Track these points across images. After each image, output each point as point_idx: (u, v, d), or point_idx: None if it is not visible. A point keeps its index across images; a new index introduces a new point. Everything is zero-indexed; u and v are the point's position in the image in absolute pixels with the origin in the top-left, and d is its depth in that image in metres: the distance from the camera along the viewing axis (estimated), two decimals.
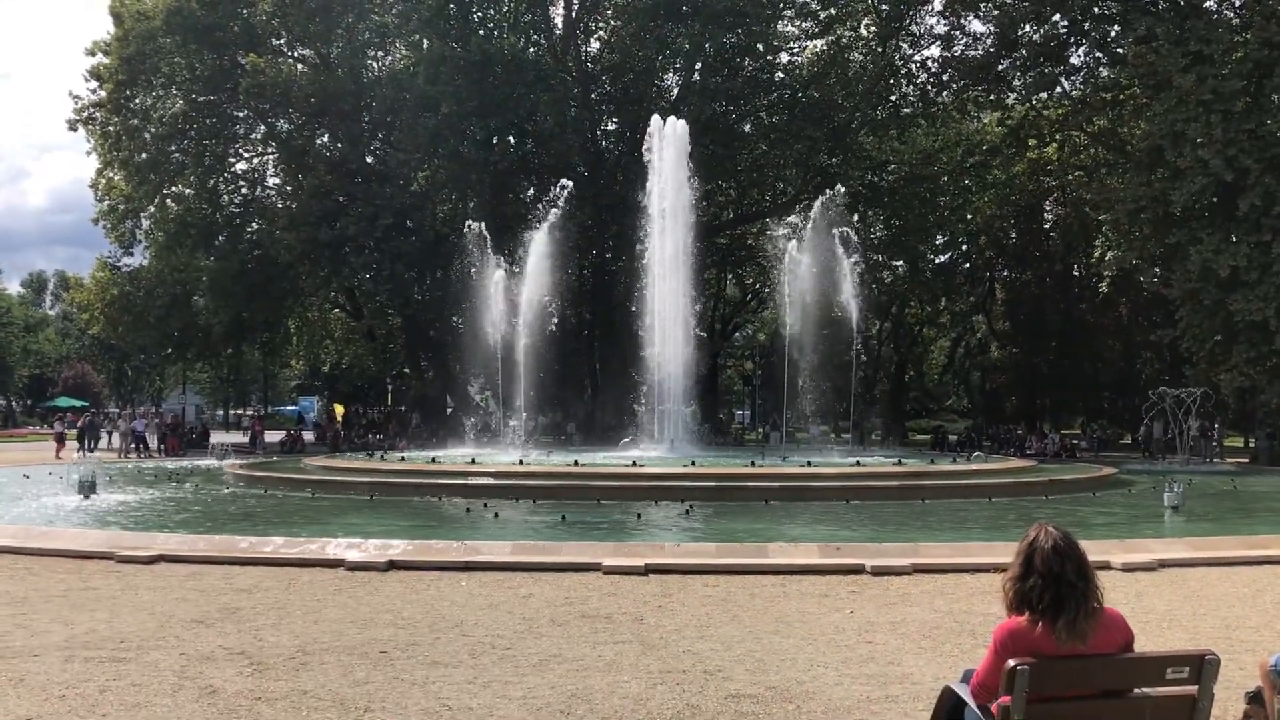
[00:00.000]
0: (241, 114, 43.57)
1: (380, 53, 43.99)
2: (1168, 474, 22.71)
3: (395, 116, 39.72)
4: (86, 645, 7.37)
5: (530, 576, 10.25)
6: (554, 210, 29.29)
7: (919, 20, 41.05)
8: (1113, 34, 35.59)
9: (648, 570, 10.44)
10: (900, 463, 22.64)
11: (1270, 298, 28.76)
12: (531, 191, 42.24)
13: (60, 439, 37.76)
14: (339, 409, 63.49)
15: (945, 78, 39.96)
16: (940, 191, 44.18)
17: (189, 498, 19.51)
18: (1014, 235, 51.97)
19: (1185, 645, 7.33)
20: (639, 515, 15.00)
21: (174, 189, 44.01)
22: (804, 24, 42.34)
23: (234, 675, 6.53)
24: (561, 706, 5.91)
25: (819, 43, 43.39)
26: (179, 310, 43.19)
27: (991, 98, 39.82)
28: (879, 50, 41.26)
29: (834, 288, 29.19)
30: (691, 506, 16.00)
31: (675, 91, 42.60)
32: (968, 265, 53.44)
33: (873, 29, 41.59)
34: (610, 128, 43.27)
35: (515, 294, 28.63)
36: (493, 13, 41.41)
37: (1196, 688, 3.98)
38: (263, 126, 44.14)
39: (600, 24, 43.54)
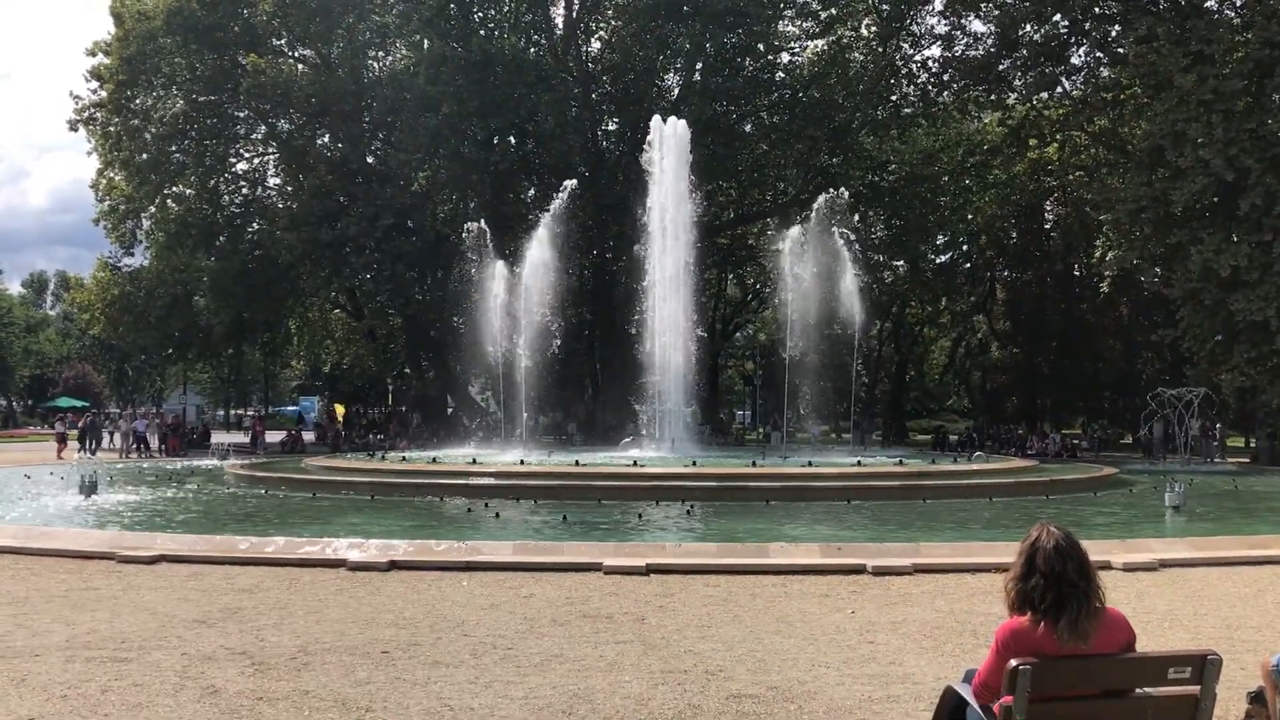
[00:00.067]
0: (242, 114, 43.57)
1: (381, 53, 43.99)
2: (1168, 474, 22.71)
3: (396, 117, 39.72)
4: (88, 645, 7.38)
5: (531, 576, 10.26)
6: (556, 201, 29.35)
7: (919, 20, 41.08)
8: (1113, 34, 35.59)
9: (649, 570, 10.44)
10: (901, 463, 22.65)
11: (1271, 298, 28.76)
12: (532, 192, 42.29)
13: (62, 439, 37.76)
14: (340, 409, 63.51)
15: (946, 78, 39.95)
16: (941, 191, 44.18)
17: (190, 498, 19.51)
18: (1015, 235, 51.97)
19: (1186, 645, 7.33)
20: (640, 515, 15.00)
21: (175, 189, 44.00)
22: (805, 24, 42.37)
23: (235, 675, 6.53)
24: (563, 706, 5.91)
25: (820, 43, 43.42)
26: (180, 310, 43.20)
27: (992, 98, 39.81)
28: (879, 50, 41.28)
29: (835, 289, 29.20)
30: (692, 506, 16.01)
31: (676, 91, 42.62)
32: (968, 265, 53.45)
33: (873, 29, 41.60)
34: (611, 128, 43.27)
35: (516, 294, 28.63)
36: (493, 13, 41.43)
37: (1199, 688, 3.98)
38: (263, 127, 44.14)
39: (601, 24, 43.54)
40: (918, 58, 41.89)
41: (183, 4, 38.92)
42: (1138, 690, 4.05)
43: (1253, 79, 29.96)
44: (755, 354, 60.00)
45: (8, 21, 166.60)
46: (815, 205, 29.43)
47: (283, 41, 43.12)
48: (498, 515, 15.10)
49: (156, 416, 47.16)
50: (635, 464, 20.69)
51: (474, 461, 21.25)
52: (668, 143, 27.80)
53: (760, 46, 40.77)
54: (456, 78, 36.92)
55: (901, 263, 49.12)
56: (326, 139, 44.27)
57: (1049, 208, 51.48)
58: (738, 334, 64.20)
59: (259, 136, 45.27)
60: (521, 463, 20.73)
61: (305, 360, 70.61)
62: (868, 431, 47.10)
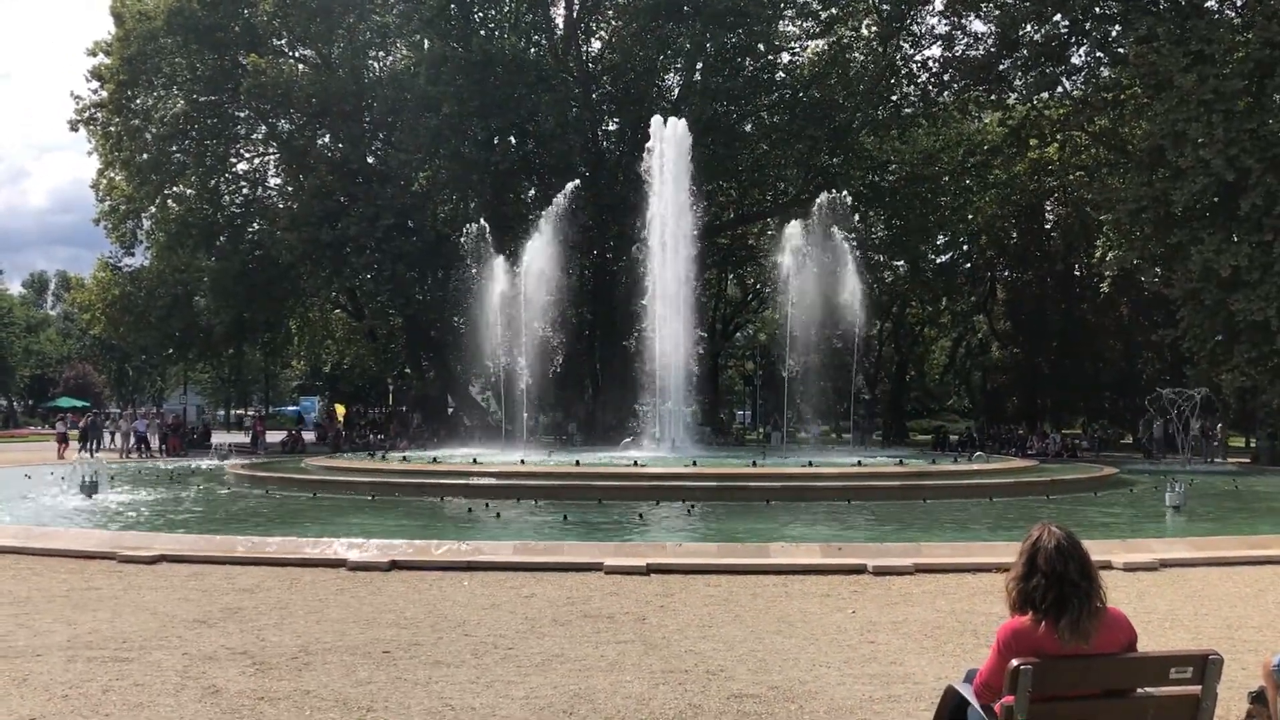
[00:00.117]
0: (243, 114, 43.56)
1: (381, 53, 43.97)
2: (1169, 474, 22.71)
3: (396, 117, 39.71)
4: (89, 645, 7.38)
5: (532, 576, 10.26)
6: (556, 202, 29.37)
7: (920, 20, 41.07)
8: (1114, 34, 35.59)
9: (650, 570, 10.45)
10: (901, 463, 22.65)
11: (1271, 298, 28.75)
12: (532, 192, 42.28)
13: (62, 439, 37.77)
14: (340, 409, 63.52)
15: (946, 77, 39.94)
16: (941, 191, 44.17)
17: (190, 498, 19.52)
18: (1015, 235, 51.97)
19: (1187, 645, 7.34)
20: (640, 515, 15.00)
21: (175, 189, 43.97)
22: (805, 24, 42.36)
23: (236, 675, 6.53)
24: (564, 706, 5.91)
25: (820, 42, 43.39)
26: (180, 310, 43.20)
27: (992, 98, 39.81)
28: (880, 50, 41.27)
29: (835, 289, 29.21)
30: (693, 506, 16.01)
31: (676, 91, 42.61)
32: (969, 265, 53.43)
33: (874, 29, 41.59)
34: (611, 128, 43.27)
35: (517, 297, 28.64)
36: (494, 13, 41.41)
37: (1200, 687, 3.98)
38: (264, 127, 44.13)
39: (601, 24, 43.54)
40: (918, 58, 41.94)
41: (183, 4, 38.91)
42: (1139, 690, 4.05)
43: (1253, 79, 29.96)
44: (755, 354, 60.02)
45: (8, 21, 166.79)
46: (816, 204, 29.46)
47: (283, 41, 43.11)
48: (498, 515, 15.10)
49: (157, 416, 47.16)
50: (636, 464, 20.69)
51: (475, 461, 21.25)
52: (668, 143, 27.82)
53: (760, 46, 40.76)
54: (457, 78, 36.91)
55: (901, 263, 49.12)
56: (327, 139, 44.27)
57: (1049, 208, 51.48)
58: (738, 334, 64.20)
59: (259, 136, 45.27)
60: (522, 463, 20.73)
61: (306, 360, 70.60)
62: (868, 431, 47.12)
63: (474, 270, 31.54)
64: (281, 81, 39.72)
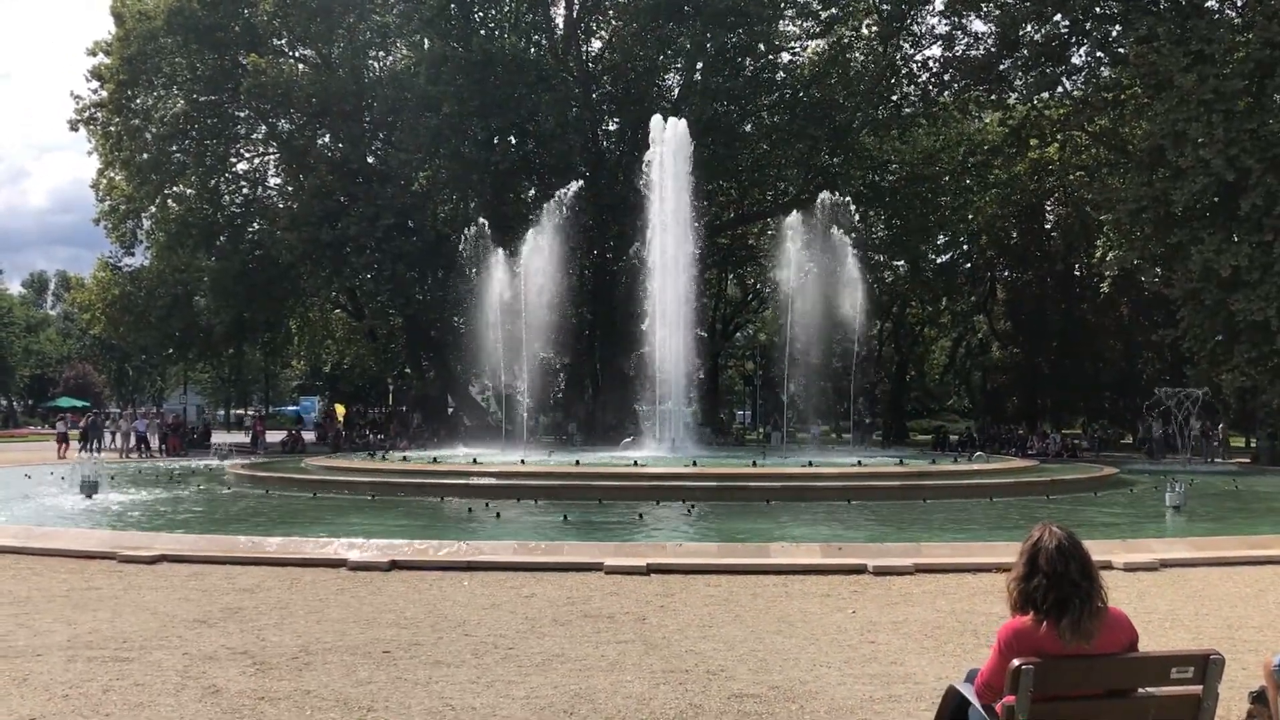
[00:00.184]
0: (243, 114, 43.57)
1: (381, 53, 43.99)
2: (1169, 474, 22.71)
3: (396, 116, 39.72)
4: (89, 645, 7.38)
5: (532, 576, 10.26)
6: (559, 197, 29.37)
7: (920, 20, 41.10)
8: (1114, 34, 35.60)
9: (650, 570, 10.44)
10: (902, 463, 22.65)
11: (1271, 298, 28.75)
12: (532, 192, 42.29)
13: (63, 439, 37.76)
14: (340, 409, 63.52)
15: (946, 77, 39.96)
16: (941, 191, 44.18)
17: (191, 498, 19.52)
18: (1015, 235, 51.98)
19: (1188, 645, 7.33)
20: (641, 515, 14.99)
21: (175, 189, 43.99)
22: (805, 24, 42.38)
23: (237, 675, 6.53)
24: (565, 706, 5.91)
25: (820, 42, 43.40)
26: (180, 310, 43.21)
27: (993, 97, 39.81)
28: (880, 50, 41.27)
29: (835, 289, 29.22)
30: (693, 506, 16.00)
31: (676, 91, 42.62)
32: (969, 265, 53.45)
33: (874, 29, 41.60)
34: (611, 128, 43.28)
35: (518, 299, 28.63)
36: (494, 13, 41.42)
37: (1201, 687, 3.98)
38: (264, 126, 44.14)
39: (601, 24, 43.55)
40: (918, 57, 41.97)
41: (183, 4, 38.92)
42: (1140, 690, 4.05)
43: (1253, 79, 29.96)
44: (755, 354, 60.02)
45: (8, 21, 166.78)
46: (818, 202, 29.47)
47: (283, 41, 43.13)
48: (499, 515, 15.09)
49: (157, 416, 47.14)
50: (636, 464, 20.69)
51: (475, 461, 21.25)
52: (668, 142, 27.81)
53: (761, 46, 40.78)
54: (457, 77, 36.92)
55: (902, 263, 49.13)
56: (327, 139, 44.28)
57: (1049, 208, 51.51)
58: (738, 334, 64.20)
59: (259, 136, 45.28)
60: (522, 463, 20.73)
61: (306, 360, 70.61)
62: (868, 431, 47.12)
63: (474, 270, 31.53)
64: (281, 81, 39.72)
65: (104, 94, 42.26)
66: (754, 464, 21.49)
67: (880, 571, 10.45)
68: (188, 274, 42.71)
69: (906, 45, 41.62)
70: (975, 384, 65.68)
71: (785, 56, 43.58)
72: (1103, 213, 38.05)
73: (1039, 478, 21.10)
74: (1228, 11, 33.51)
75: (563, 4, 42.03)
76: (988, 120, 44.70)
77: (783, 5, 40.46)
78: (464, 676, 6.53)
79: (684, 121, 28.95)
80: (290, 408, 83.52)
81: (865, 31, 42.73)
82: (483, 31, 39.31)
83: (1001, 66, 38.00)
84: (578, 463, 20.98)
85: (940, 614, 8.60)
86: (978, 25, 39.38)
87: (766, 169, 45.24)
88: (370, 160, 42.29)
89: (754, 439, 50.70)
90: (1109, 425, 49.00)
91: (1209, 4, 33.52)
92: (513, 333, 29.20)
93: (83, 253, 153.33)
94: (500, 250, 29.76)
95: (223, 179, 44.69)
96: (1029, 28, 36.69)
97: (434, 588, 9.73)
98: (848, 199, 30.92)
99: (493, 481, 18.36)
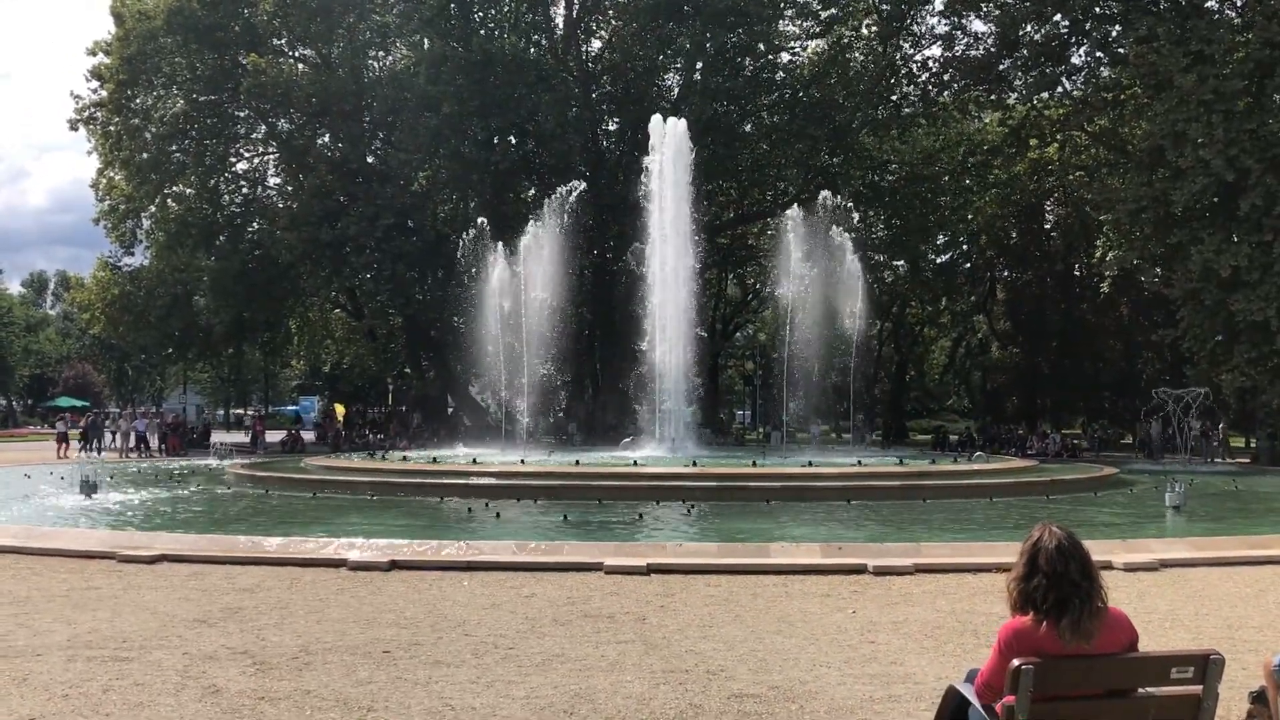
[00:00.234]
0: (242, 114, 43.59)
1: (381, 52, 44.00)
2: (1169, 474, 22.71)
3: (396, 116, 39.73)
4: (89, 645, 7.38)
5: (532, 576, 10.25)
6: (559, 196, 29.36)
7: (920, 20, 41.09)
8: (1114, 34, 35.59)
9: (650, 570, 10.44)
10: (901, 462, 22.65)
11: (1271, 298, 28.75)
12: (532, 192, 42.29)
13: (62, 439, 37.75)
14: (340, 409, 63.51)
15: (946, 77, 39.95)
16: (941, 191, 44.18)
17: (191, 498, 19.51)
18: (1015, 235, 51.99)
19: (1188, 645, 7.33)
20: (641, 515, 15.00)
21: (175, 189, 44.02)
22: (805, 23, 42.38)
23: (237, 675, 6.53)
24: (565, 706, 5.91)
25: (820, 42, 43.41)
26: (180, 310, 43.22)
27: (992, 97, 39.82)
28: (880, 50, 41.27)
29: (834, 289, 29.21)
30: (693, 506, 16.01)
31: (676, 91, 42.60)
32: (968, 265, 53.47)
33: (874, 28, 41.59)
34: (611, 128, 43.28)
35: (517, 300, 28.63)
36: (494, 12, 41.41)
37: (1201, 687, 3.98)
38: (264, 126, 44.15)
39: (601, 24, 43.55)
40: (918, 57, 41.97)
41: (183, 4, 38.93)
42: (1140, 690, 4.05)
43: (1253, 79, 29.96)
44: (755, 354, 60.02)
45: (8, 21, 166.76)
46: (819, 202, 29.46)
47: (283, 41, 43.14)
48: (499, 515, 15.09)
49: (157, 416, 47.14)
50: (636, 464, 20.70)
51: (474, 461, 21.26)
52: (668, 142, 27.81)
53: (760, 46, 40.78)
54: (457, 77, 36.92)
55: (901, 263, 49.13)
56: (327, 139, 44.29)
57: (1049, 208, 51.51)
58: (738, 334, 64.18)
59: (259, 136, 45.30)
60: (522, 463, 20.73)
61: (305, 360, 70.62)
62: (868, 431, 47.11)
63: (474, 270, 31.52)
64: (281, 81, 39.73)
65: (104, 94, 42.28)
66: (754, 464, 21.49)
67: (880, 571, 10.45)
68: (187, 274, 42.71)
69: (906, 45, 41.63)
70: (975, 384, 65.69)
71: (785, 56, 43.64)
72: (1102, 213, 38.05)
73: (1039, 478, 21.10)
74: (1228, 11, 33.52)
75: (563, 4, 42.04)
76: (987, 120, 44.70)
77: (782, 5, 40.46)
78: (464, 676, 6.53)
79: (684, 121, 28.94)
80: (290, 407, 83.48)
81: (865, 31, 42.73)
82: (482, 31, 39.31)
83: (1001, 66, 38.00)
84: (577, 463, 20.98)
85: (940, 614, 8.60)
86: (977, 25, 39.46)
87: (766, 169, 45.24)
88: (370, 160, 42.29)
89: (754, 439, 50.69)
90: (1109, 425, 48.99)
91: (1209, 4, 33.55)
92: (513, 334, 29.19)
93: (82, 252, 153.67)
94: (500, 249, 29.76)
95: (222, 179, 44.70)
96: (1029, 28, 36.69)
97: (434, 588, 9.73)
98: (849, 202, 30.87)
99: (493, 481, 18.36)
